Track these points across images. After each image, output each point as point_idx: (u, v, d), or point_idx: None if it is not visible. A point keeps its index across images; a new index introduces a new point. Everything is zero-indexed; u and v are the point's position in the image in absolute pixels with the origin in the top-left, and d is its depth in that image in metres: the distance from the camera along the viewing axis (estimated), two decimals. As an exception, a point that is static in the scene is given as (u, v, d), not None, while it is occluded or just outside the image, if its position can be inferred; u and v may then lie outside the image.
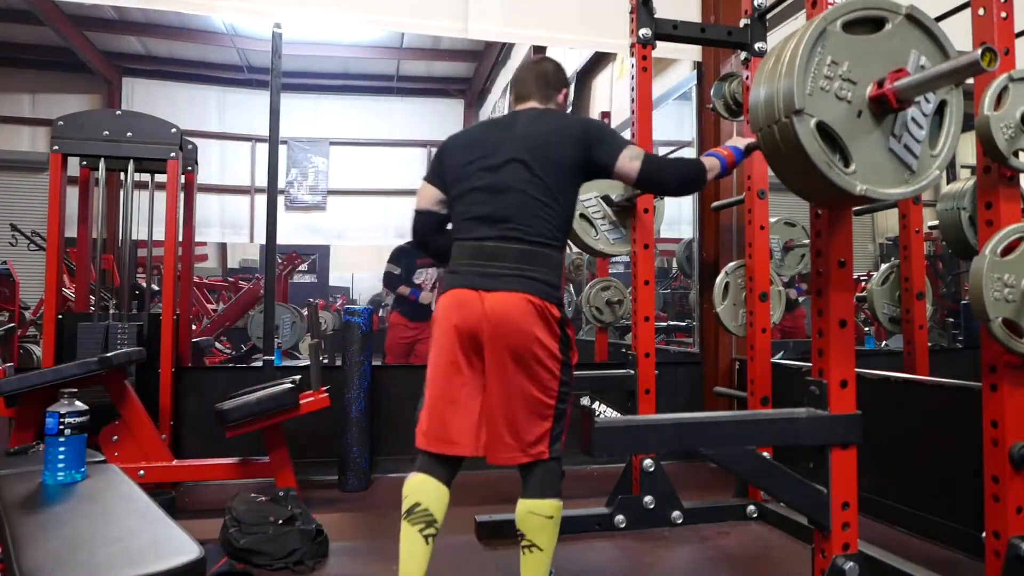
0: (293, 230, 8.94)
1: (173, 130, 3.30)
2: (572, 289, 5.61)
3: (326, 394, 3.00)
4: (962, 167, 4.17)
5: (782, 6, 2.99)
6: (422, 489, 1.85)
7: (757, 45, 2.84)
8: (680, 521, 2.76)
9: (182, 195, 3.57)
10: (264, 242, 3.71)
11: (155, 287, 3.68)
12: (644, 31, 2.74)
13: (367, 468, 3.38)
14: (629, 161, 1.90)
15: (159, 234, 3.38)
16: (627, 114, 2.87)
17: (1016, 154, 1.76)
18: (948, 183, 2.50)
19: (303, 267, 8.77)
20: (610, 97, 5.62)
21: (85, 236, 3.45)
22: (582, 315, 3.91)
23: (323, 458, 3.45)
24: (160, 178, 3.38)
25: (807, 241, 3.20)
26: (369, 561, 2.48)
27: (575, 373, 1.95)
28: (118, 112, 3.52)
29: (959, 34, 1.68)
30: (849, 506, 1.62)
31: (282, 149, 6.88)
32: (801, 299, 4.95)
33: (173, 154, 3.28)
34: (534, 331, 1.82)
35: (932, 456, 2.63)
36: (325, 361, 4.25)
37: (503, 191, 1.88)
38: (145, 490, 1.64)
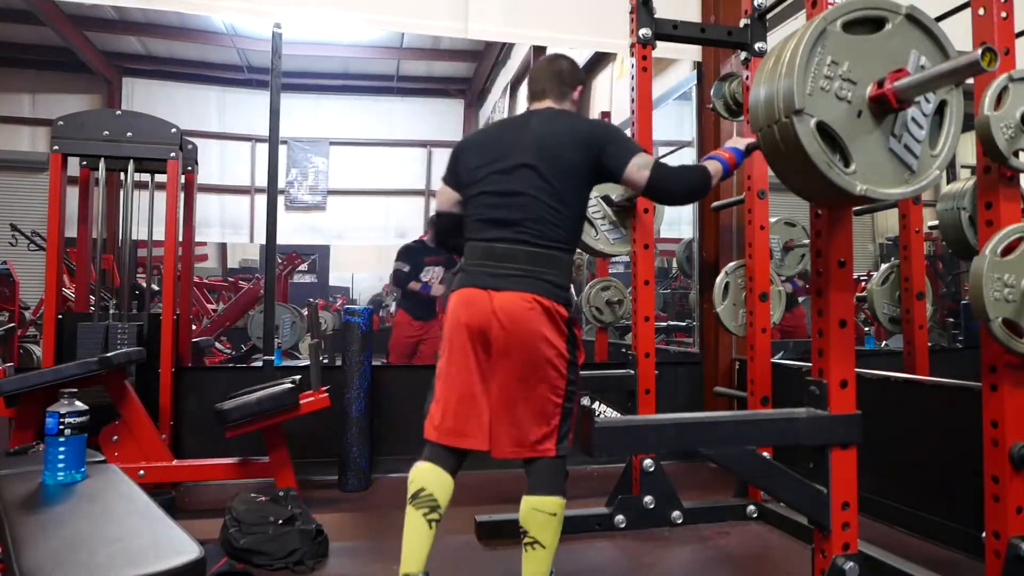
0: (293, 230, 8.95)
1: (173, 130, 3.30)
2: (572, 289, 5.61)
3: (326, 394, 3.00)
4: (962, 167, 4.17)
5: (782, 6, 2.99)
6: (428, 476, 1.90)
7: (757, 45, 2.84)
8: (680, 521, 2.76)
9: (182, 195, 3.57)
10: (264, 242, 3.71)
11: (155, 287, 3.68)
12: (644, 31, 2.74)
13: (367, 468, 3.38)
14: (638, 170, 1.90)
15: (159, 234, 3.38)
16: (627, 114, 2.87)
17: (1016, 154, 1.76)
18: (948, 183, 2.50)
19: (303, 267, 8.77)
20: (610, 97, 5.62)
21: (85, 236, 3.45)
22: (582, 315, 3.91)
23: (323, 458, 3.45)
24: (160, 178, 3.38)
25: (807, 241, 3.20)
26: (369, 561, 2.48)
27: None
28: (118, 112, 3.52)
29: (959, 34, 1.68)
30: (849, 506, 1.62)
31: (282, 149, 6.89)
32: (801, 299, 4.95)
33: (173, 154, 3.28)
34: (542, 330, 1.85)
35: (932, 456, 2.63)
36: (325, 361, 4.25)
37: (514, 195, 1.92)
38: (145, 490, 1.64)
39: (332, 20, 4.06)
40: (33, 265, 5.91)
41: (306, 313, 6.59)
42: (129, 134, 3.24)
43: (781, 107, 1.38)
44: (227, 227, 9.12)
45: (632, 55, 2.80)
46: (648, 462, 2.75)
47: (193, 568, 1.16)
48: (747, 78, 2.90)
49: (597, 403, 2.97)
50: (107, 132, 3.22)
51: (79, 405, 1.71)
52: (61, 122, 3.19)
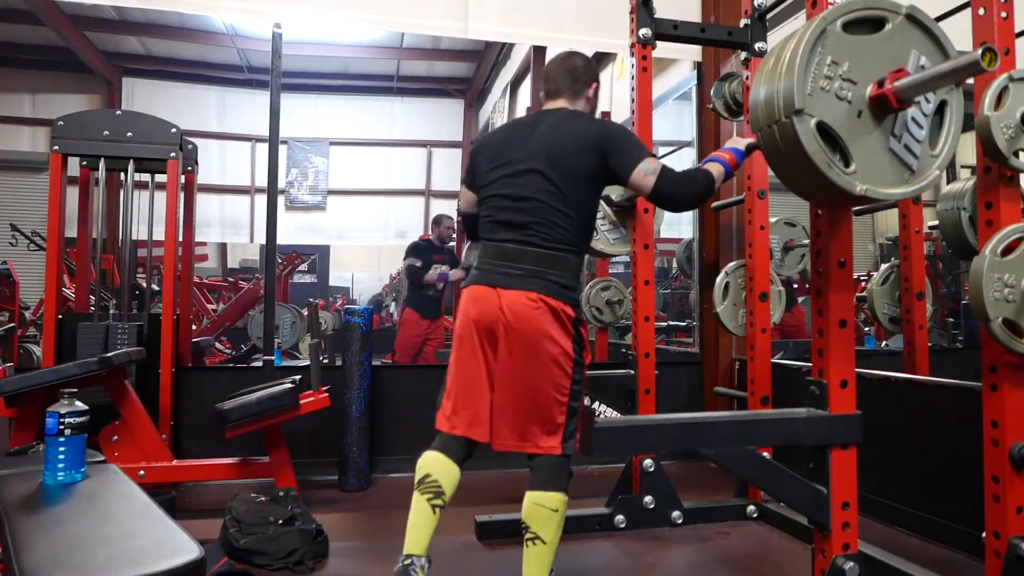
0: (293, 230, 8.95)
1: (173, 130, 3.30)
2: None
3: (326, 394, 3.00)
4: (962, 167, 4.17)
5: (782, 6, 2.99)
6: (434, 464, 1.95)
7: (757, 45, 2.84)
8: (680, 521, 2.76)
9: (182, 195, 3.57)
10: (264, 242, 3.71)
11: (155, 287, 3.69)
12: (644, 31, 2.74)
13: (367, 468, 3.38)
14: (644, 176, 1.91)
15: (159, 234, 3.38)
16: (627, 114, 2.87)
17: (1016, 154, 1.76)
18: (948, 183, 2.50)
19: (303, 267, 8.78)
20: (610, 97, 5.61)
21: (85, 236, 3.45)
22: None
23: (323, 458, 3.45)
24: (160, 178, 3.38)
25: (807, 241, 3.20)
26: (369, 561, 2.48)
27: None
28: (118, 112, 3.52)
29: (959, 34, 1.68)
30: (849, 506, 1.62)
31: (282, 149, 6.89)
32: (801, 299, 4.95)
33: (173, 154, 3.28)
34: (547, 329, 1.88)
35: (932, 456, 2.63)
36: (325, 361, 4.25)
37: (523, 199, 1.96)
38: (145, 490, 1.64)
39: (332, 20, 4.07)
40: (33, 265, 5.91)
41: (306, 313, 6.59)
42: (129, 134, 3.24)
43: (781, 107, 1.38)
44: (227, 227, 9.13)
45: (632, 55, 2.80)
46: (648, 462, 2.76)
47: (193, 568, 1.16)
48: (747, 78, 2.90)
49: (597, 403, 2.97)
50: (107, 132, 3.22)
51: (79, 405, 1.71)
52: (61, 122, 3.19)
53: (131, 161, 3.26)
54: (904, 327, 2.97)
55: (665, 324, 5.48)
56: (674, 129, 4.95)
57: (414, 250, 5.15)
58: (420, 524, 1.90)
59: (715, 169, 1.98)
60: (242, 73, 8.74)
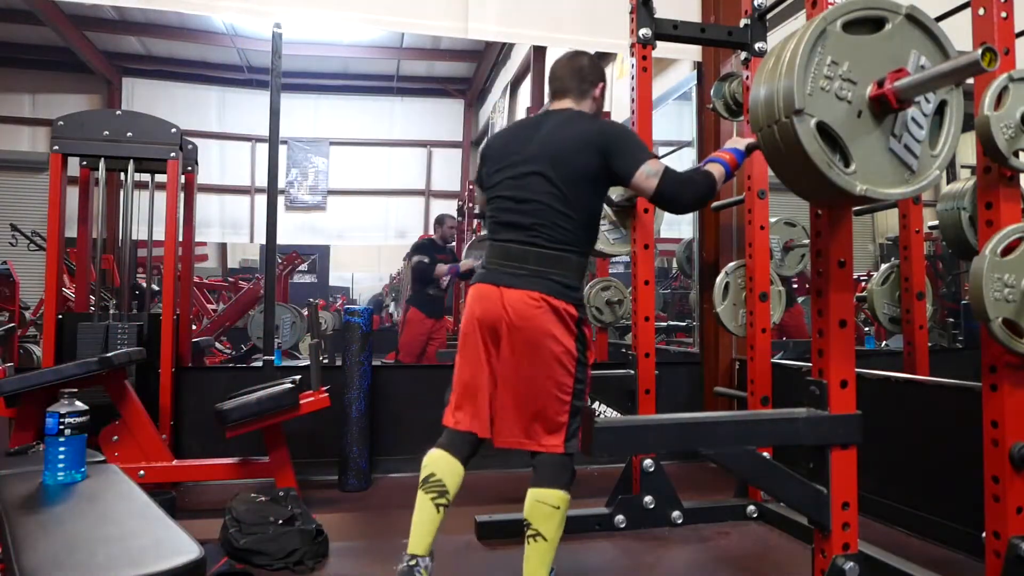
0: (293, 230, 8.97)
1: (173, 130, 3.30)
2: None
3: (326, 394, 3.00)
4: (962, 167, 4.17)
5: (782, 6, 2.99)
6: (439, 462, 1.98)
7: (757, 45, 2.84)
8: (680, 521, 2.76)
9: (182, 195, 3.57)
10: (264, 242, 3.71)
11: (155, 287, 3.69)
12: (644, 31, 2.74)
13: (367, 468, 3.38)
14: (646, 178, 1.92)
15: (159, 234, 3.38)
16: (627, 114, 2.87)
17: (1016, 154, 1.76)
18: (948, 183, 2.49)
19: (303, 267, 8.79)
20: (610, 97, 5.60)
21: (85, 236, 3.45)
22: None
23: (323, 458, 3.45)
24: (160, 178, 3.38)
25: (807, 241, 3.20)
26: (369, 561, 2.48)
27: None
28: (118, 112, 3.52)
29: (959, 34, 1.68)
30: (849, 506, 1.62)
31: (282, 149, 6.89)
32: (801, 299, 4.95)
33: (173, 154, 3.28)
34: (550, 327, 1.90)
35: (932, 456, 2.63)
36: (325, 361, 4.25)
37: (526, 201, 1.98)
38: (145, 490, 1.64)
39: (332, 20, 4.07)
40: (33, 265, 5.91)
41: (306, 313, 6.59)
42: (129, 134, 3.24)
43: (781, 107, 1.38)
44: (227, 227, 9.14)
45: (632, 55, 2.80)
46: (648, 462, 2.76)
47: (193, 568, 1.16)
48: (747, 78, 2.90)
49: (597, 403, 2.97)
50: (107, 132, 3.22)
51: (79, 405, 1.71)
52: (61, 122, 3.19)
53: (131, 161, 3.26)
54: (904, 327, 2.97)
55: (665, 324, 5.48)
56: (674, 129, 4.95)
57: (421, 248, 5.21)
58: (424, 523, 1.93)
59: (716, 170, 1.99)
60: (242, 73, 8.75)
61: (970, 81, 1.68)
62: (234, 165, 8.93)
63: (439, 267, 5.07)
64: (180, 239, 3.58)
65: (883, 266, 3.18)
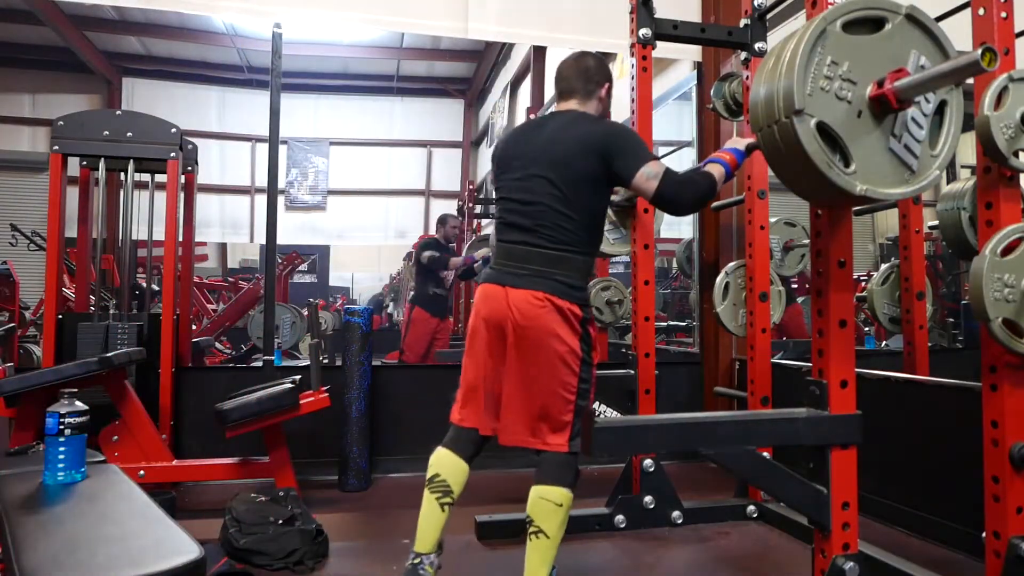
0: (293, 230, 8.96)
1: (173, 130, 3.30)
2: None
3: (326, 394, 3.00)
4: (962, 167, 4.17)
5: (782, 6, 2.99)
6: (443, 462, 2.03)
7: (757, 45, 2.84)
8: (680, 521, 2.76)
9: (182, 195, 3.57)
10: (264, 242, 3.71)
11: (155, 287, 3.69)
12: (644, 31, 2.74)
13: (367, 468, 3.38)
14: (646, 180, 1.93)
15: (159, 234, 3.38)
16: (627, 114, 2.87)
17: (1016, 154, 1.76)
18: (948, 183, 2.49)
19: (303, 267, 8.78)
20: (610, 97, 5.61)
21: (85, 236, 3.45)
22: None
23: (323, 458, 3.45)
24: (160, 178, 3.38)
25: (807, 241, 3.20)
26: (369, 561, 2.48)
27: None
28: (118, 112, 3.52)
29: (959, 34, 1.68)
30: (849, 506, 1.62)
31: (282, 149, 6.89)
32: (801, 299, 4.95)
33: (173, 154, 3.28)
34: (554, 327, 1.91)
35: (932, 456, 2.63)
36: (325, 361, 4.25)
37: (529, 203, 2.01)
38: (145, 490, 1.64)
39: (332, 20, 4.06)
40: (33, 265, 5.91)
41: (306, 313, 6.60)
42: (129, 134, 3.24)
43: (781, 107, 1.38)
44: (227, 227, 9.14)
45: (632, 55, 2.80)
46: (648, 462, 2.76)
47: (193, 568, 1.16)
48: (747, 78, 2.90)
49: (597, 403, 2.97)
50: (107, 132, 3.22)
51: (79, 405, 1.71)
52: (61, 122, 3.19)
53: (131, 161, 3.26)
54: (904, 327, 2.97)
55: (665, 324, 5.48)
56: (674, 129, 4.95)
57: (427, 245, 5.29)
58: (429, 522, 1.98)
59: (716, 170, 1.99)
60: (242, 73, 8.74)
61: (970, 81, 1.68)
62: (234, 165, 8.92)
63: (453, 260, 5.14)
64: (180, 239, 3.58)
65: (883, 266, 3.18)
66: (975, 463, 1.78)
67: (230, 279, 8.02)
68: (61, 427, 1.66)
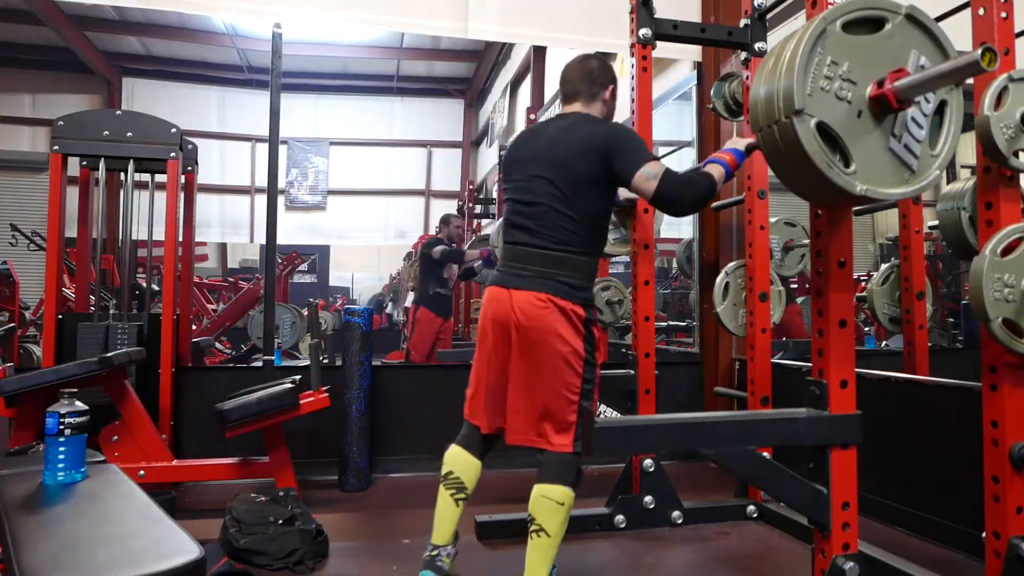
0: (293, 230, 8.96)
1: (173, 130, 3.30)
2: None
3: (326, 394, 3.00)
4: (962, 167, 4.17)
5: (782, 6, 2.99)
6: (456, 459, 2.11)
7: (757, 45, 2.84)
8: (680, 521, 2.76)
9: (182, 195, 3.57)
10: (264, 242, 3.71)
11: (155, 287, 3.69)
12: (644, 31, 2.74)
13: (367, 468, 3.38)
14: (645, 180, 1.93)
15: (159, 234, 3.38)
16: (627, 114, 2.87)
17: (1016, 154, 1.76)
18: (948, 183, 2.49)
19: (303, 267, 8.78)
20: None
21: (85, 236, 3.44)
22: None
23: (323, 458, 3.45)
24: (160, 178, 3.38)
25: (807, 241, 3.20)
26: (369, 561, 2.48)
27: None
28: (118, 112, 3.51)
29: (959, 34, 1.68)
30: (849, 506, 1.62)
31: (282, 149, 6.89)
32: (800, 299, 4.95)
33: (173, 154, 3.28)
34: (557, 328, 1.94)
35: (932, 456, 2.63)
36: (325, 361, 4.25)
37: (532, 204, 2.04)
38: (145, 490, 1.64)
39: (332, 20, 4.06)
40: (33, 265, 5.91)
41: (306, 313, 6.60)
42: (129, 134, 3.24)
43: (781, 107, 1.38)
44: (227, 227, 9.14)
45: (632, 55, 2.80)
46: (648, 462, 2.76)
47: (193, 568, 1.16)
48: (747, 78, 2.90)
49: (600, 404, 2.97)
50: (107, 132, 3.22)
51: (79, 405, 1.71)
52: (61, 122, 3.19)
53: (131, 161, 3.26)
54: (904, 327, 2.97)
55: (665, 324, 5.48)
56: (674, 129, 4.94)
57: (435, 243, 5.32)
58: (444, 516, 2.07)
59: (716, 171, 2.00)
60: (242, 73, 8.75)
61: (970, 81, 1.68)
62: (234, 165, 8.92)
63: (469, 252, 5.15)
64: (180, 239, 3.58)
65: (883, 266, 3.18)
66: (975, 463, 1.78)
67: (230, 279, 8.02)
68: (61, 427, 1.67)
